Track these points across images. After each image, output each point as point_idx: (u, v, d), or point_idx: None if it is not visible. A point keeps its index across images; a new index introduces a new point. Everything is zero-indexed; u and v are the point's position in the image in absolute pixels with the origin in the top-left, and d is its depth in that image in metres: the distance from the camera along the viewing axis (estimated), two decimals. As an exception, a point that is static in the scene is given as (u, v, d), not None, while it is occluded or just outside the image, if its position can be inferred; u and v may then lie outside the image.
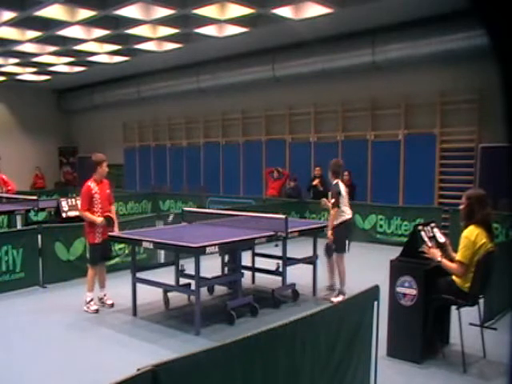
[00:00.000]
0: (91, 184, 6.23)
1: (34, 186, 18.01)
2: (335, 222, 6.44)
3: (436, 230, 4.86)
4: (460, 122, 10.96)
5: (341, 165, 6.91)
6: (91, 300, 6.20)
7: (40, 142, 19.88)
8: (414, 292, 4.49)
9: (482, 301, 4.67)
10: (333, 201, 6.45)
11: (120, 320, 5.84)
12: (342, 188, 6.59)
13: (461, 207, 4.51)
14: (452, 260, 4.46)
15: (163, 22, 10.47)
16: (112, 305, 6.31)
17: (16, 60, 14.30)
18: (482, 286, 4.45)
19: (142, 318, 5.91)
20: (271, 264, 6.84)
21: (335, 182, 6.62)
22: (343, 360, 3.15)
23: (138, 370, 2.03)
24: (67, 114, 20.94)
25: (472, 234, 4.29)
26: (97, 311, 6.12)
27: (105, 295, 6.46)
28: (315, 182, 12.01)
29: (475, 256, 4.27)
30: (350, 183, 11.91)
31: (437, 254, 4.45)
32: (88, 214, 6.16)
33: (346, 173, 11.94)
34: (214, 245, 5.22)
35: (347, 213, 6.56)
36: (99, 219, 6.16)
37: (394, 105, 11.93)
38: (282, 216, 6.10)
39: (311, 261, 6.85)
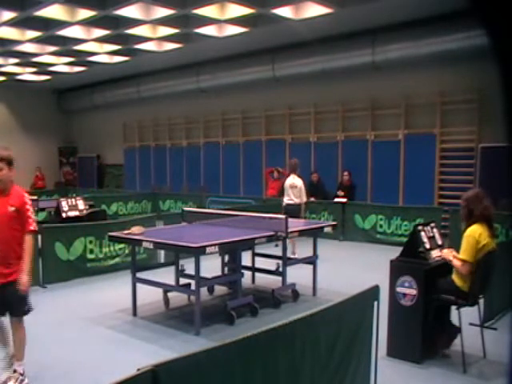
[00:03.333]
0: None
1: (33, 187, 17.99)
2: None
3: (435, 231, 4.86)
4: (460, 121, 10.96)
5: (295, 163, 9.30)
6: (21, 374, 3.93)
7: (40, 142, 19.89)
8: (413, 292, 4.49)
9: (482, 301, 4.67)
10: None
11: (120, 320, 5.83)
12: (289, 182, 9.08)
13: (461, 212, 4.54)
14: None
15: (163, 21, 10.47)
16: None
17: (16, 60, 14.29)
18: (482, 286, 4.45)
19: (142, 317, 5.90)
20: (271, 264, 6.84)
21: (290, 176, 9.16)
22: (343, 360, 3.15)
23: (138, 369, 2.02)
24: (67, 114, 20.93)
25: (475, 232, 4.29)
26: None
27: (15, 371, 3.89)
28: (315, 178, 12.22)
29: (478, 255, 4.27)
30: (350, 183, 11.93)
31: (449, 254, 4.48)
32: None
33: (345, 173, 11.98)
34: (214, 245, 5.21)
35: (284, 201, 9.14)
36: None
37: (394, 105, 11.93)
38: (282, 216, 6.10)
39: (311, 261, 6.86)
